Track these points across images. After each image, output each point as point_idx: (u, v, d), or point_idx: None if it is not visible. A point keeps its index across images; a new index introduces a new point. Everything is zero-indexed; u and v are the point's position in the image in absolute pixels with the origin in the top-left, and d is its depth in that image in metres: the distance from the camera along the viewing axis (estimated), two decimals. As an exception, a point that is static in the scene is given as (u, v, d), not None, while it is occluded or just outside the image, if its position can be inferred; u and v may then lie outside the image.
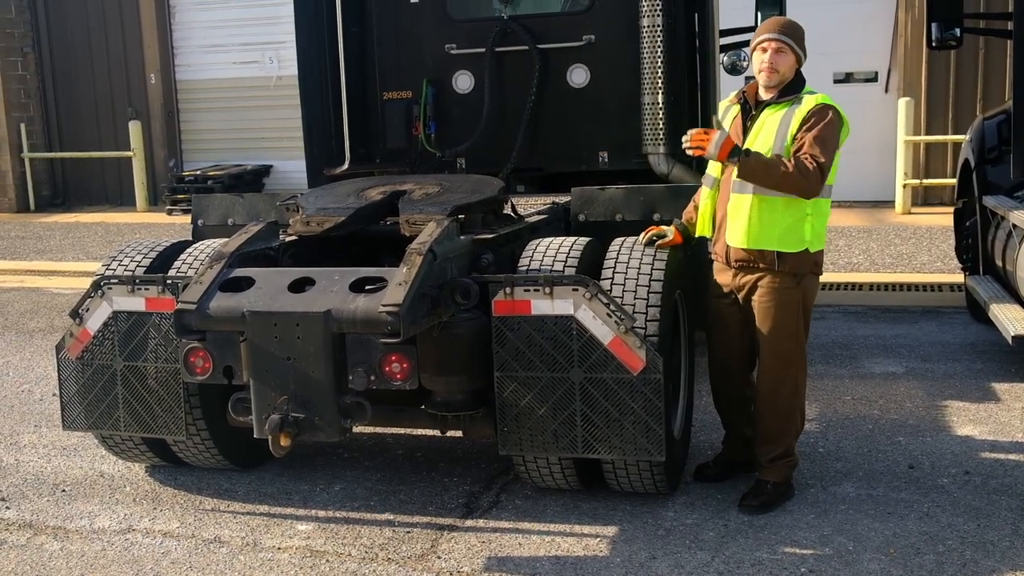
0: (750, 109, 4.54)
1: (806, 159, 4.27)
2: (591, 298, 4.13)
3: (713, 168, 4.63)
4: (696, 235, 4.77)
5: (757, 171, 4.33)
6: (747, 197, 4.44)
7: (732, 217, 4.51)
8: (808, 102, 4.40)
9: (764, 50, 4.45)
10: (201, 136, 17.09)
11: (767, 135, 4.42)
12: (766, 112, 4.47)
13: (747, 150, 4.34)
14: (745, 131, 4.51)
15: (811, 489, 4.74)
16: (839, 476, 4.89)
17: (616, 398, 4.14)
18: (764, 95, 4.51)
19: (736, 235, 4.49)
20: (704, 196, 4.70)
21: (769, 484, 4.62)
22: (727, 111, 4.67)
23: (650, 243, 4.63)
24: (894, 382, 6.34)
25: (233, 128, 16.65)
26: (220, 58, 16.68)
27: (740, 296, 4.60)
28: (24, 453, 5.62)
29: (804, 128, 4.34)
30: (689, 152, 4.45)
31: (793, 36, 4.45)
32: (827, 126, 4.32)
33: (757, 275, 4.51)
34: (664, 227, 4.76)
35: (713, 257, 4.73)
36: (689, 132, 4.42)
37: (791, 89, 4.47)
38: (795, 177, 4.28)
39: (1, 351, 7.92)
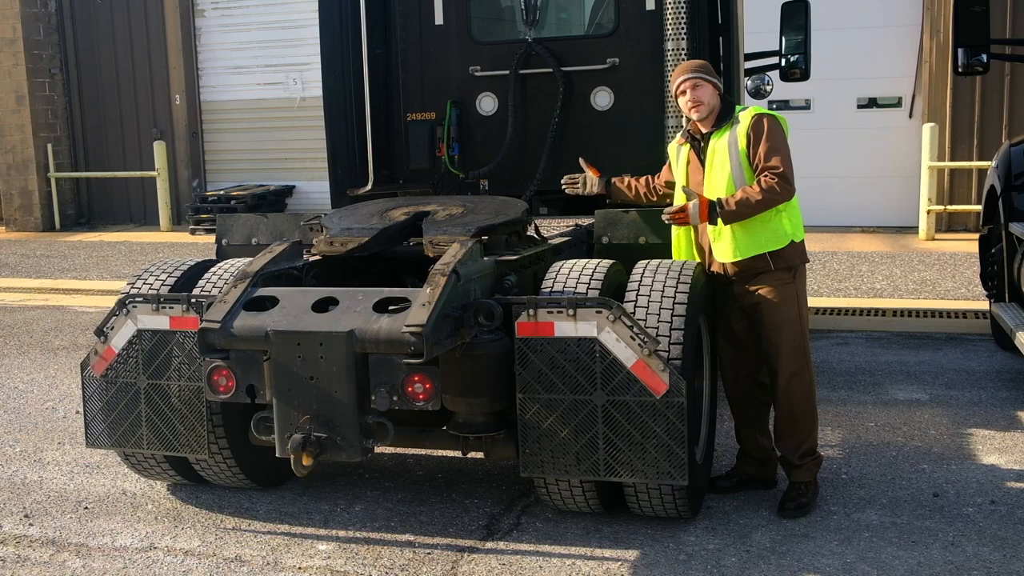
0: (699, 143, 4.89)
1: (766, 177, 4.62)
2: (614, 320, 4.12)
3: (678, 203, 4.92)
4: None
5: (736, 213, 4.66)
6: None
7: (716, 238, 4.80)
8: (744, 119, 4.75)
9: (684, 92, 4.83)
10: (225, 156, 17.21)
11: (721, 160, 4.76)
12: (712, 141, 4.82)
13: (719, 202, 4.66)
14: (702, 163, 4.87)
15: (834, 516, 4.71)
16: (862, 503, 4.85)
17: (639, 421, 4.13)
18: (704, 128, 4.86)
19: (726, 252, 4.78)
20: (675, 230, 5.06)
21: (802, 485, 4.83)
22: (679, 152, 5.03)
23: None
24: (918, 409, 6.30)
25: (256, 149, 16.77)
26: (244, 79, 16.81)
27: (743, 303, 4.83)
28: (48, 470, 5.65)
29: (750, 144, 4.70)
30: (672, 223, 4.89)
31: (703, 70, 4.85)
32: (769, 136, 4.67)
33: (756, 279, 4.77)
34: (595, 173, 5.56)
35: (713, 274, 4.94)
36: (666, 211, 4.81)
37: (725, 114, 4.83)
38: (768, 199, 4.62)
39: (25, 369, 7.97)
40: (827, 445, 5.61)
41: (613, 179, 5.57)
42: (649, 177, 5.48)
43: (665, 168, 5.32)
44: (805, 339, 4.84)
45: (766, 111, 4.77)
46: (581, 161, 5.61)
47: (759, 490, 5.01)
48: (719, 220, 4.67)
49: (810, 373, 4.87)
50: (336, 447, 4.03)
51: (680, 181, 4.97)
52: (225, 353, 4.17)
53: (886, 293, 9.81)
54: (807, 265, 4.95)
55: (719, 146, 4.76)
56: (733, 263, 4.76)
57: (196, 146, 17.18)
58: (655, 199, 5.44)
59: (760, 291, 4.75)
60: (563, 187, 5.43)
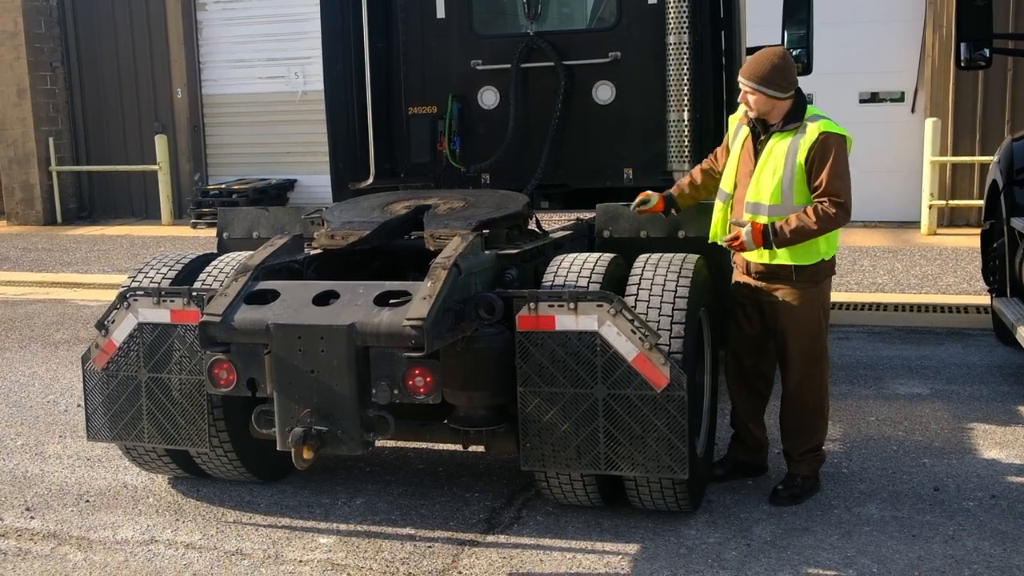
0: (759, 133, 4.76)
1: (824, 204, 4.53)
2: (615, 314, 4.12)
3: (726, 183, 4.89)
4: (710, 241, 5.03)
5: (790, 241, 4.59)
6: (762, 218, 4.67)
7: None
8: (811, 133, 4.59)
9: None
10: (226, 150, 17.19)
11: (776, 162, 4.65)
12: (773, 139, 4.69)
13: (773, 228, 4.57)
14: (756, 153, 4.75)
15: (835, 510, 4.71)
16: (863, 497, 4.85)
17: (639, 415, 4.13)
18: (771, 121, 4.71)
19: (754, 252, 4.74)
20: (717, 209, 4.96)
21: (799, 477, 4.85)
22: (738, 130, 4.89)
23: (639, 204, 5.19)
24: (919, 403, 6.29)
25: (258, 143, 16.75)
26: (246, 73, 16.79)
27: (760, 299, 4.82)
28: (49, 463, 5.65)
29: (814, 163, 4.56)
30: (731, 249, 4.78)
31: (759, 78, 4.61)
32: (836, 159, 4.55)
33: (776, 284, 4.76)
34: (651, 193, 5.20)
35: (734, 265, 4.96)
36: (723, 238, 4.76)
37: (794, 116, 4.67)
38: (823, 228, 4.57)
39: (27, 362, 7.97)
40: (828, 440, 5.57)
41: (671, 192, 5.25)
42: (711, 160, 5.18)
43: (721, 148, 5.10)
44: (822, 343, 4.81)
45: (833, 128, 4.61)
46: (635, 209, 5.25)
47: (752, 476, 5.06)
48: (772, 245, 4.61)
49: (823, 377, 4.85)
50: (337, 440, 4.02)
51: (732, 160, 4.84)
52: (226, 346, 4.17)
53: (888, 288, 9.81)
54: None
55: (778, 149, 4.64)
56: (758, 262, 4.75)
57: (197, 140, 17.17)
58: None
59: (778, 293, 4.75)
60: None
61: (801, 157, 4.59)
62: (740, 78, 4.72)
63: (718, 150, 5.17)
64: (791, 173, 4.61)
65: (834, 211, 4.53)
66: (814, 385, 4.83)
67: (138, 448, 4.98)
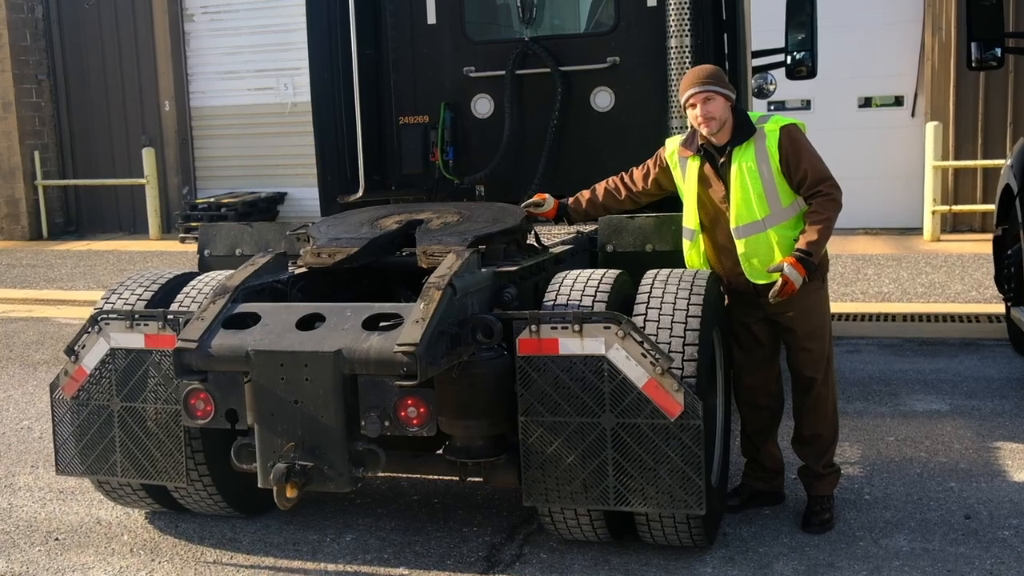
0: (715, 156, 4.55)
1: (823, 192, 4.41)
2: (624, 337, 3.82)
3: (689, 221, 4.65)
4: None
5: (821, 248, 4.40)
6: (763, 235, 4.47)
7: (750, 256, 4.51)
8: (771, 134, 4.45)
9: (694, 105, 4.48)
10: (215, 163, 16.94)
11: (750, 176, 4.44)
12: (736, 154, 4.49)
13: (807, 252, 4.35)
14: (720, 176, 4.53)
15: (861, 542, 4.40)
16: (890, 527, 4.54)
17: (651, 446, 3.82)
18: (719, 141, 4.52)
19: (762, 275, 4.48)
20: (688, 248, 4.72)
21: (824, 499, 4.64)
22: (685, 165, 4.65)
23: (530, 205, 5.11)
24: (939, 421, 5.99)
25: (247, 155, 16.49)
26: (234, 85, 16.55)
27: (769, 312, 4.58)
28: (18, 496, 5.33)
29: (788, 159, 4.42)
30: (779, 298, 4.38)
31: (715, 81, 4.49)
32: (805, 146, 4.46)
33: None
34: (547, 196, 5.14)
35: (734, 287, 4.68)
36: (772, 295, 4.35)
37: (745, 127, 4.50)
38: (836, 214, 4.45)
39: (2, 385, 7.65)
40: (847, 462, 5.31)
41: (568, 201, 5.14)
42: (621, 182, 5.02)
43: (649, 168, 4.90)
44: (832, 343, 4.70)
45: (785, 119, 4.51)
46: (528, 208, 5.13)
47: (770, 505, 4.80)
48: (814, 265, 4.38)
49: (835, 377, 4.74)
50: (323, 477, 3.74)
51: (690, 195, 4.62)
52: (203, 375, 3.89)
53: (894, 297, 9.53)
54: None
55: (746, 162, 4.44)
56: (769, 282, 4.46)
57: (186, 153, 16.91)
58: (640, 204, 5.06)
59: (796, 299, 4.44)
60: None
61: (774, 160, 4.43)
62: (691, 88, 4.46)
63: (636, 174, 4.98)
64: (771, 178, 4.44)
65: (834, 193, 4.43)
66: (831, 389, 4.70)
67: (111, 482, 4.66)
